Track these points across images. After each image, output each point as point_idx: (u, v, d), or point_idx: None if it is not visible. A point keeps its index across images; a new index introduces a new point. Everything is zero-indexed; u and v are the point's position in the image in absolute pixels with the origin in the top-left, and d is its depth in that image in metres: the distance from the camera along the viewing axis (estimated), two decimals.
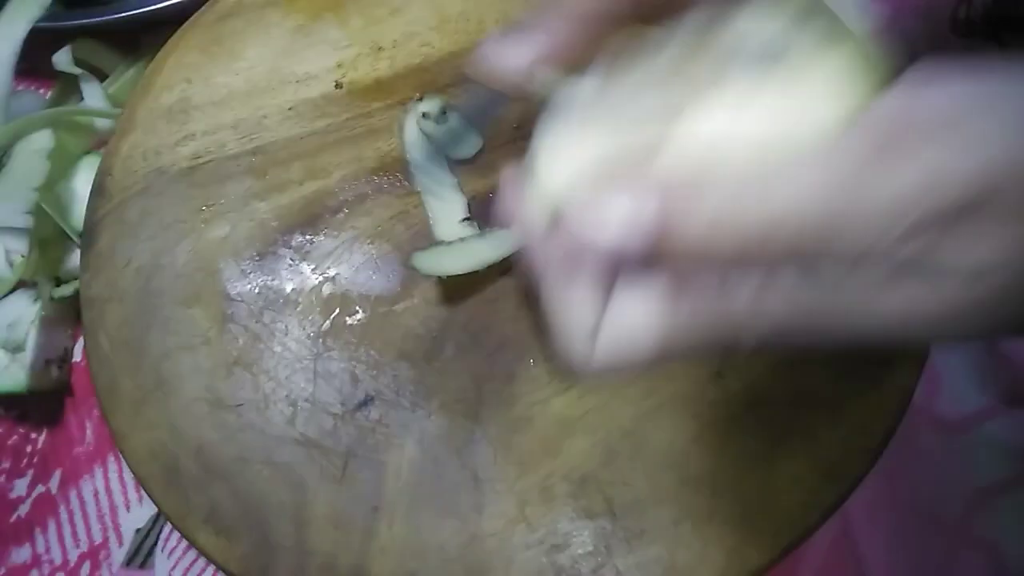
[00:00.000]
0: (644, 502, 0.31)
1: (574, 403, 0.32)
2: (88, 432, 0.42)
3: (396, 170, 0.37)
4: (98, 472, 0.41)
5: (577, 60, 0.21)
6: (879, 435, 0.31)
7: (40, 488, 0.41)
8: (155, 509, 0.39)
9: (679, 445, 0.31)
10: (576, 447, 0.32)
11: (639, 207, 0.18)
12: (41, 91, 0.49)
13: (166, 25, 0.43)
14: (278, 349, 0.34)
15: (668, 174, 0.18)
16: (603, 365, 0.20)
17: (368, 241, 0.36)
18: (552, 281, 0.21)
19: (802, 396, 0.32)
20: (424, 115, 0.38)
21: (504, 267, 0.34)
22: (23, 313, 0.41)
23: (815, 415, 0.31)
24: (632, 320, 0.19)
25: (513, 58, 0.22)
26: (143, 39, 0.48)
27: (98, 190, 0.38)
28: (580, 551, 0.30)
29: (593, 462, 0.31)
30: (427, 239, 0.35)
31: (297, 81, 0.40)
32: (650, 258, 0.18)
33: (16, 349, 0.40)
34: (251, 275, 0.36)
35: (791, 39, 0.19)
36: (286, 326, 0.35)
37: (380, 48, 0.40)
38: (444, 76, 0.39)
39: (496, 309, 0.34)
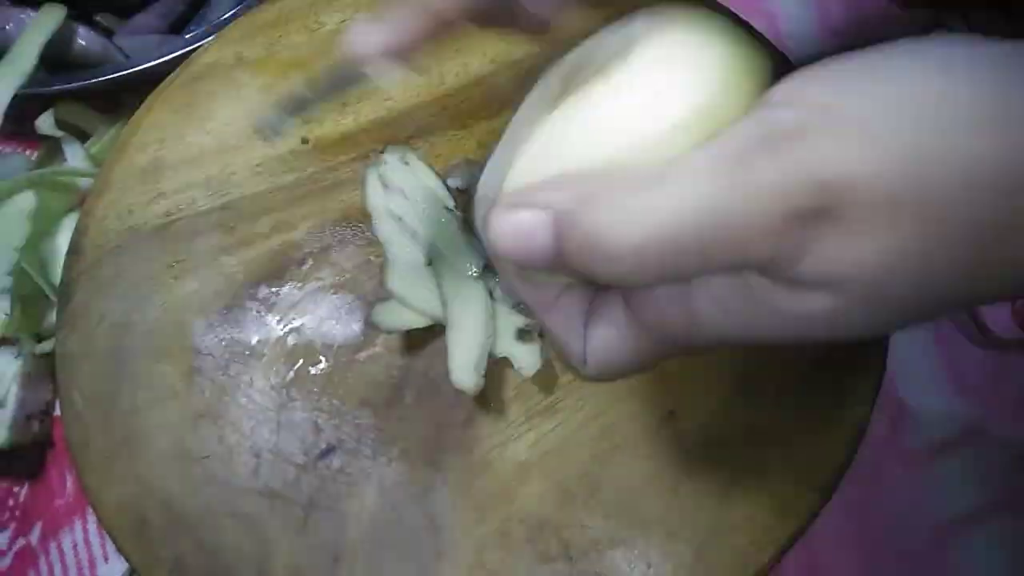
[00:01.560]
0: (600, 544, 0.31)
1: (531, 447, 0.33)
2: (68, 484, 0.42)
3: (360, 221, 0.39)
4: (77, 524, 0.41)
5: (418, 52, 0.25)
6: (830, 471, 0.31)
7: (21, 541, 0.41)
8: None
9: (634, 486, 0.32)
10: (533, 491, 0.32)
11: (533, 221, 0.18)
12: (28, 152, 0.51)
13: (145, 85, 0.45)
14: (243, 401, 0.35)
15: (557, 188, 0.18)
16: (596, 377, 0.21)
17: (332, 291, 0.37)
18: (535, 307, 0.22)
19: (754, 434, 0.32)
20: (387, 166, 0.39)
21: None
22: (5, 370, 0.42)
23: (767, 453, 0.32)
24: (605, 346, 0.21)
25: (365, 44, 0.25)
26: (123, 99, 0.49)
27: (74, 249, 0.40)
28: None
29: (549, 506, 0.32)
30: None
31: (265, 138, 0.41)
32: (558, 266, 0.18)
33: None
34: (218, 328, 0.37)
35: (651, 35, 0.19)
36: (251, 378, 0.36)
37: (345, 104, 0.41)
38: (406, 128, 0.41)
39: None
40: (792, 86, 0.17)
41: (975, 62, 0.16)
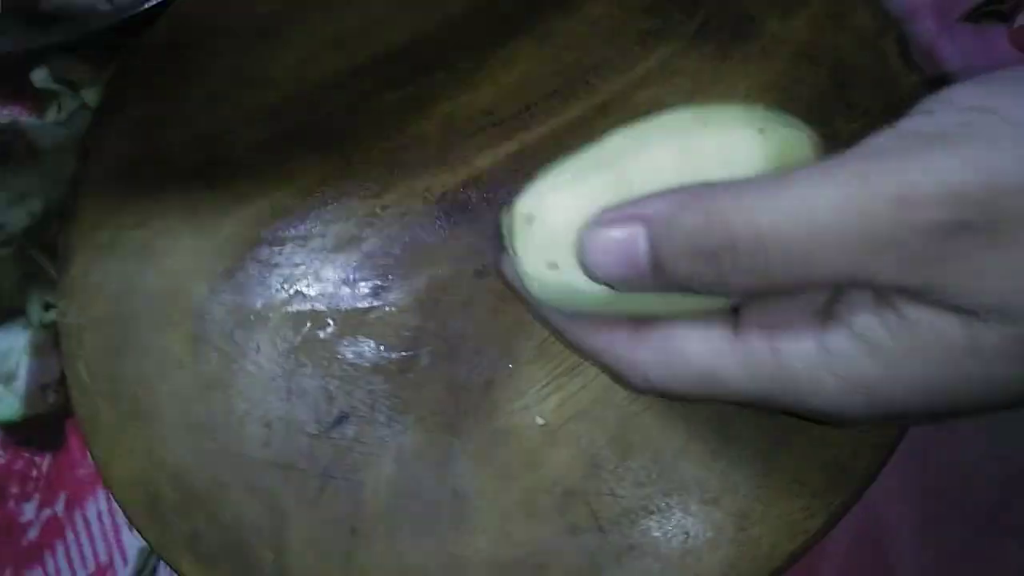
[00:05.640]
0: (633, 514, 0.29)
1: (556, 410, 0.30)
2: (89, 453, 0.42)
3: (367, 171, 0.36)
4: (101, 493, 0.41)
5: None
6: (893, 428, 0.28)
7: (47, 512, 0.41)
8: None
9: (668, 451, 0.29)
10: (559, 458, 0.30)
11: (628, 233, 0.17)
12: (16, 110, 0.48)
13: (143, 28, 0.42)
14: (251, 368, 0.33)
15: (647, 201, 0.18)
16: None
17: (337, 249, 0.35)
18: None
19: None
20: None
21: (477, 269, 0.32)
22: (14, 343, 0.41)
23: None
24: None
25: None
26: (117, 46, 0.46)
27: (68, 213, 0.38)
28: (567, 570, 0.28)
29: (577, 473, 0.29)
30: (398, 244, 0.34)
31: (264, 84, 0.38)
32: (659, 282, 0.17)
33: (9, 378, 0.40)
34: (220, 293, 0.35)
35: None
36: (257, 344, 0.33)
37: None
38: (408, 67, 0.37)
39: (471, 313, 0.32)
40: (936, 96, 0.15)
41: None
